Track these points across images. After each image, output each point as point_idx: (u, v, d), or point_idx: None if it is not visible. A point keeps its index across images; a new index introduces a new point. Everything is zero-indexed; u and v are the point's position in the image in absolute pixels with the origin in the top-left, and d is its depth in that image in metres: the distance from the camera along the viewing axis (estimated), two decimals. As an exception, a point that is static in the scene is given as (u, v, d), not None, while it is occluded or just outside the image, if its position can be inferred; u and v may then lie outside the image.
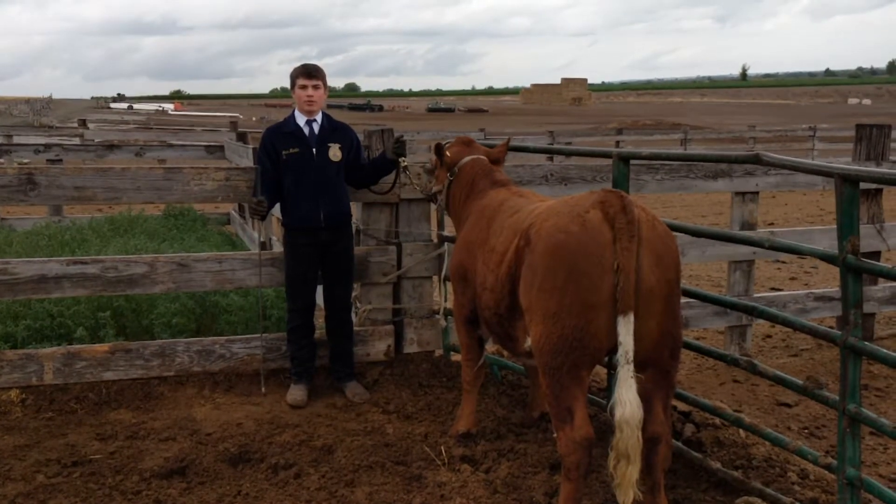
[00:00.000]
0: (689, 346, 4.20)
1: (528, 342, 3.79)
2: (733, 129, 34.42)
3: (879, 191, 6.87)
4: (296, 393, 5.16)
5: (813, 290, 6.96)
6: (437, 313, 5.73)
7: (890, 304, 7.02)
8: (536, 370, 4.83)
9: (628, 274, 3.25)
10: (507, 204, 4.29)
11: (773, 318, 3.72)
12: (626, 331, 3.26)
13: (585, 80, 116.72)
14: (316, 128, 5.15)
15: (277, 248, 9.41)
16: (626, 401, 3.26)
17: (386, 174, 5.30)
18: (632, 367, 3.27)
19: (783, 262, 10.65)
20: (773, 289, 9.02)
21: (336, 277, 5.24)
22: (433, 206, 5.57)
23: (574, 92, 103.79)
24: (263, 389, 5.25)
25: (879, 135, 6.85)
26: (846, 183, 3.04)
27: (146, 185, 5.09)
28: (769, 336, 7.58)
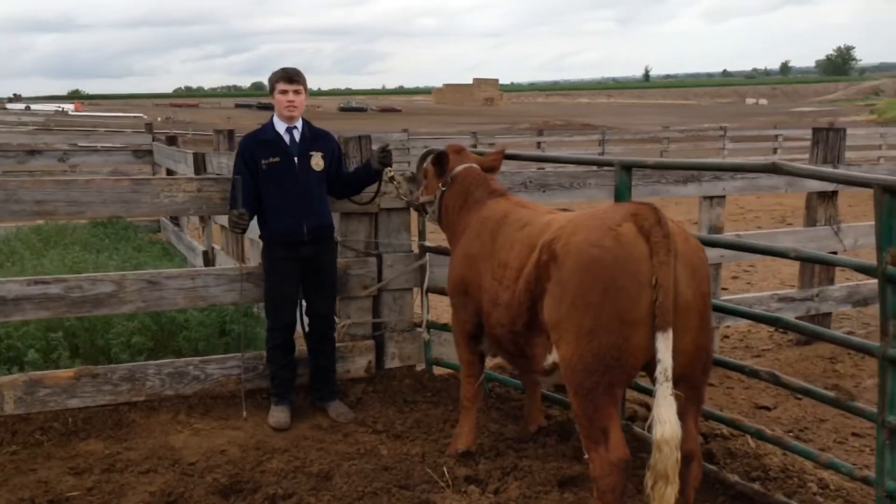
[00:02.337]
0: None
1: (549, 360, 3.65)
2: (650, 130, 35.19)
3: (835, 193, 7.02)
4: (278, 415, 4.90)
5: (776, 292, 7.06)
6: (419, 326, 5.55)
7: (846, 302, 7.19)
8: (534, 385, 4.73)
9: (667, 289, 3.16)
10: (511, 216, 4.14)
11: (800, 330, 3.68)
12: (664, 347, 3.17)
13: (497, 80, 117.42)
14: (297, 135, 4.89)
15: (220, 257, 9.04)
16: (666, 420, 3.16)
17: (370, 184, 5.08)
18: (671, 384, 3.18)
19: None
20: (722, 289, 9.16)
21: (319, 293, 4.99)
22: (413, 215, 5.39)
23: (486, 92, 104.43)
24: (245, 413, 4.97)
25: (836, 138, 6.99)
26: (886, 193, 3.01)
27: (113, 197, 4.75)
28: (726, 336, 7.67)
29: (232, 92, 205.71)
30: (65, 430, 4.70)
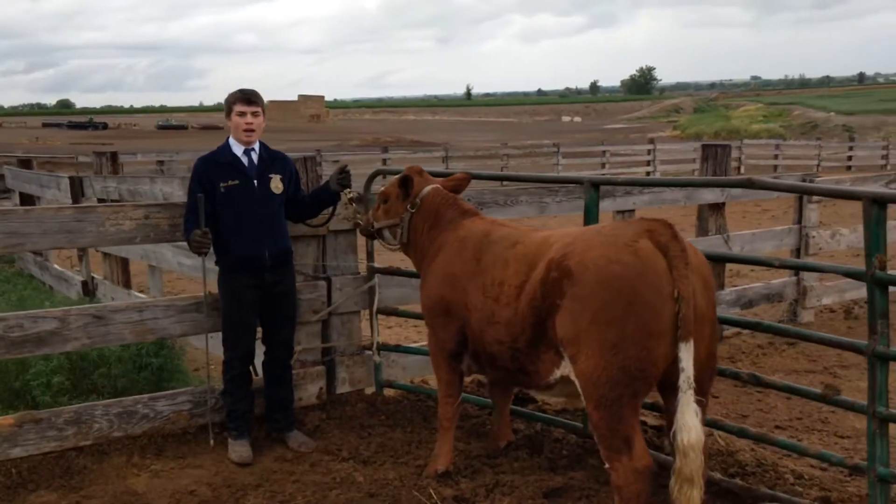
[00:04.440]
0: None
1: (557, 374, 3.74)
2: (489, 147, 36.12)
3: (723, 204, 7.58)
4: (240, 449, 4.69)
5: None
6: (368, 349, 5.47)
7: (735, 305, 7.77)
8: (504, 401, 4.78)
9: (689, 301, 3.34)
10: (494, 234, 4.19)
11: (783, 333, 3.96)
12: (687, 357, 3.34)
13: (322, 97, 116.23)
14: (255, 158, 4.72)
15: (105, 287, 8.50)
16: (692, 426, 3.34)
17: (327, 207, 4.97)
18: (693, 392, 3.35)
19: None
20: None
21: (280, 320, 4.82)
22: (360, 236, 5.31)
23: (312, 109, 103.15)
24: (212, 442, 4.76)
25: (723, 154, 7.56)
26: (874, 205, 3.33)
27: (55, 227, 4.41)
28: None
29: (36, 110, 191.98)
30: (10, 483, 4.29)
